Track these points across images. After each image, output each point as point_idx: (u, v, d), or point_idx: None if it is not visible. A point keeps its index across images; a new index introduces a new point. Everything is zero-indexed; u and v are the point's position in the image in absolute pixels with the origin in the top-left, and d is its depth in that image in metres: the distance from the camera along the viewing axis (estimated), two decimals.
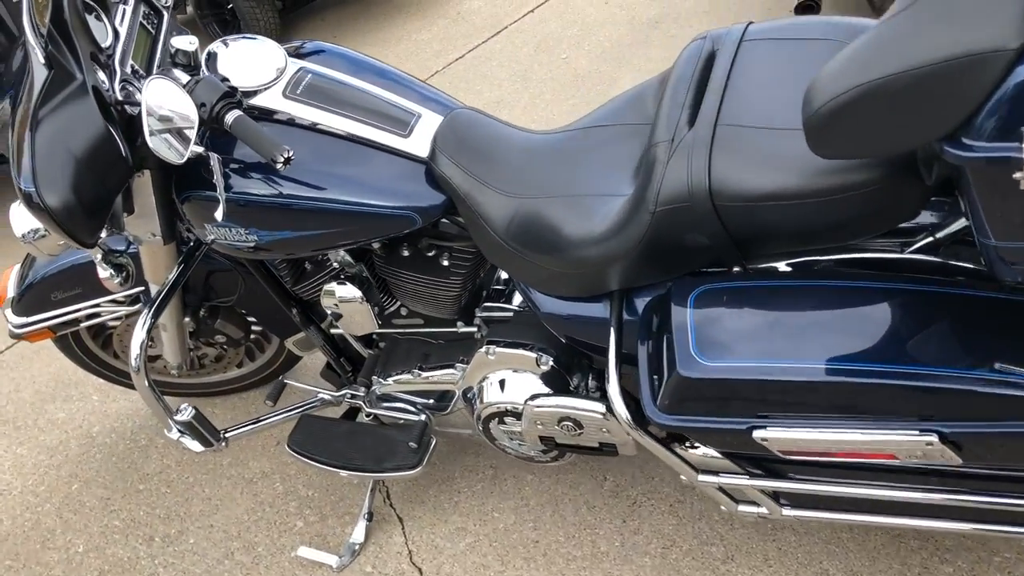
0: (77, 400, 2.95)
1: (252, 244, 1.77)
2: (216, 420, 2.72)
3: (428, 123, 1.75)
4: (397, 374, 2.05)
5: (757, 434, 1.36)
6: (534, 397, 1.78)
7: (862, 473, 1.45)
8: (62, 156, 1.51)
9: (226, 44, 1.75)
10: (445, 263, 1.86)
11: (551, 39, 4.59)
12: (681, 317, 1.41)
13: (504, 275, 2.04)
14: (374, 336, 2.20)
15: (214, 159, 1.61)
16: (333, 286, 1.89)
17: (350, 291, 1.89)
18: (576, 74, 4.16)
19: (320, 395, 2.23)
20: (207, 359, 2.60)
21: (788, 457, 1.41)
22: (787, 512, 1.56)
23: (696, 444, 1.62)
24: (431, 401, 2.08)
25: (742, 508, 1.62)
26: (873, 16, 3.69)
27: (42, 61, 1.52)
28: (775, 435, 1.35)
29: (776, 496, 1.59)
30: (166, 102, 1.52)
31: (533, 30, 4.77)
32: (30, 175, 1.47)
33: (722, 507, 1.65)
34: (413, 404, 2.09)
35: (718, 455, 1.55)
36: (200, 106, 1.57)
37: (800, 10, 3.48)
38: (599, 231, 1.53)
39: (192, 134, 1.51)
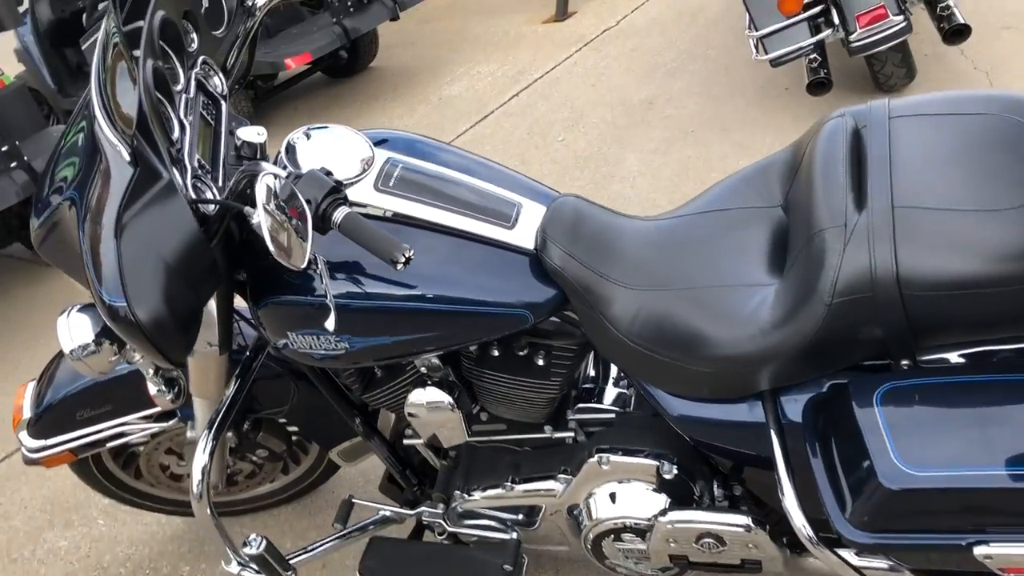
0: (80, 526, 2.67)
1: (342, 352, 1.59)
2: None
3: (531, 212, 1.61)
4: (485, 488, 1.85)
5: (979, 551, 1.21)
6: (664, 512, 1.61)
7: None
8: (153, 264, 1.32)
9: (308, 136, 1.59)
10: (541, 363, 1.69)
11: (543, 122, 4.53)
12: (870, 420, 1.27)
13: (592, 372, 1.88)
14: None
15: (321, 262, 1.44)
16: (419, 393, 1.71)
17: (439, 397, 1.70)
18: (577, 156, 4.08)
19: (384, 512, 2.02)
20: (240, 475, 2.37)
21: (1003, 574, 1.26)
22: None
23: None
24: (520, 516, 1.89)
25: None
26: (879, 92, 3.72)
27: (127, 159, 1.35)
28: (1001, 551, 1.20)
29: None
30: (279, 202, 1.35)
31: (522, 113, 4.71)
32: (118, 286, 1.28)
33: None
34: (501, 520, 1.89)
35: (900, 567, 1.39)
36: (306, 203, 1.40)
37: (813, 88, 3.48)
38: (755, 326, 1.39)
39: (308, 238, 1.33)
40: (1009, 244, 1.21)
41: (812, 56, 3.50)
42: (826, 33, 3.44)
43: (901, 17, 3.32)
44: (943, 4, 3.32)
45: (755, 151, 3.70)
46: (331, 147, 1.58)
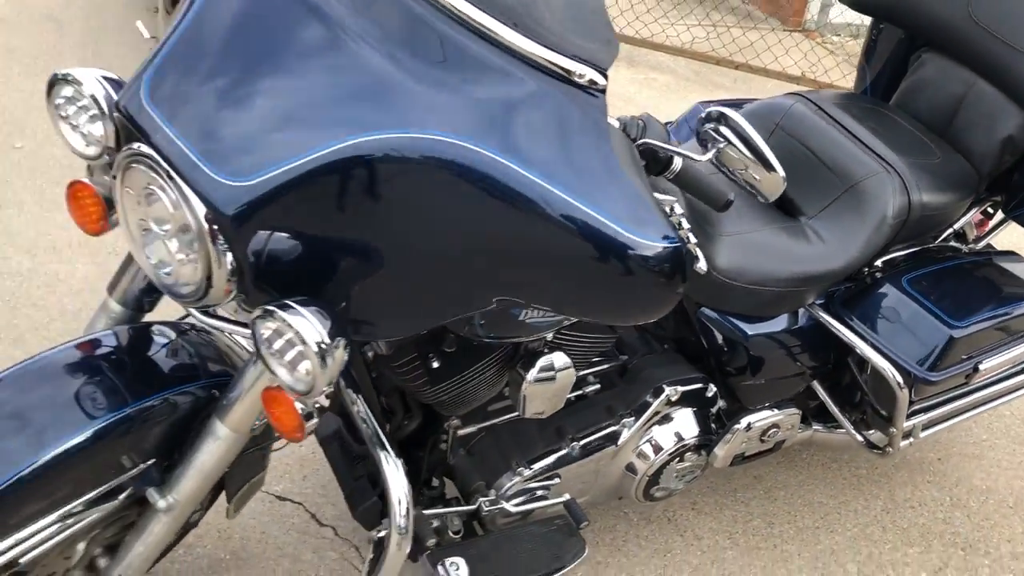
0: None
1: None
2: None
3: None
4: (543, 456, 1.81)
5: (982, 366, 1.95)
6: (737, 420, 1.95)
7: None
8: (647, 192, 1.17)
9: None
10: None
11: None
12: (913, 299, 1.90)
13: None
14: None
15: (679, 204, 1.36)
16: (548, 360, 1.64)
17: (565, 362, 1.66)
18: None
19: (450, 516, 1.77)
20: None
21: (974, 384, 2.02)
22: (923, 434, 2.15)
23: None
24: (555, 480, 1.88)
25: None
26: None
27: (601, 81, 1.16)
28: (991, 363, 1.96)
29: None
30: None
31: None
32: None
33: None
34: (545, 487, 1.86)
35: None
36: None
37: None
38: (822, 252, 1.87)
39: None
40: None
41: None
42: None
43: None
44: None
45: None
46: None
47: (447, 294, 1.22)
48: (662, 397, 1.89)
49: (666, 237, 1.14)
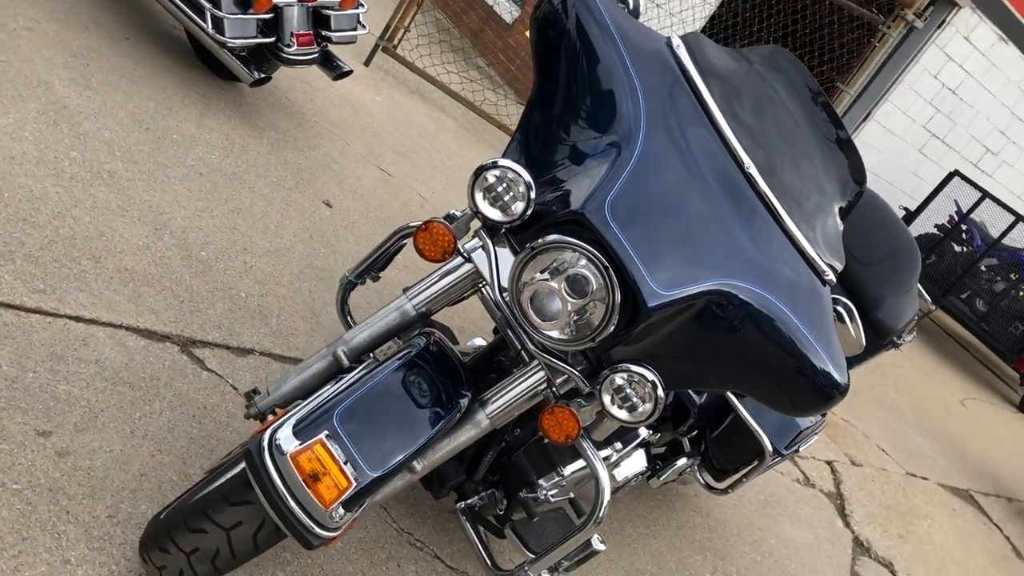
0: None
1: None
2: None
3: None
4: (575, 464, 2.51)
5: (801, 448, 3.05)
6: (675, 461, 2.83)
7: None
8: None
9: None
10: None
11: None
12: None
13: None
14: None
15: None
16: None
17: None
18: None
19: None
20: None
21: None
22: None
23: None
24: None
25: None
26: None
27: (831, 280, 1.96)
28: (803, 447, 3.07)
29: None
30: None
31: None
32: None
33: None
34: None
35: None
36: None
37: (257, 83, 3.95)
38: None
39: None
40: None
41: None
42: (271, 39, 4.00)
43: (318, 47, 4.20)
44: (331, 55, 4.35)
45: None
46: None
47: (713, 378, 1.95)
48: (640, 439, 2.71)
49: (845, 377, 1.96)
